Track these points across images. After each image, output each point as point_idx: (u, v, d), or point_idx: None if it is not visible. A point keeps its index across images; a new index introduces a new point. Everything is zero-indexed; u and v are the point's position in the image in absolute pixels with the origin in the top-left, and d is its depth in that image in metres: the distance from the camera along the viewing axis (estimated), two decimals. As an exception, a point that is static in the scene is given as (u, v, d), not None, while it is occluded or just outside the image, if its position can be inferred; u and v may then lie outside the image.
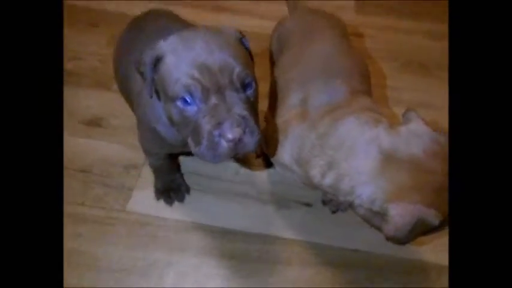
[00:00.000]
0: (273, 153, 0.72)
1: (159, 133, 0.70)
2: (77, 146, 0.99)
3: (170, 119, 0.62)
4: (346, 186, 0.59)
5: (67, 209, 0.88)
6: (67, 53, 1.22)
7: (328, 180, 0.62)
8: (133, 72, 0.72)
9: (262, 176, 0.97)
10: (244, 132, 0.55)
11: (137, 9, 1.36)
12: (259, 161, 0.99)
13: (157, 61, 0.59)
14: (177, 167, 0.94)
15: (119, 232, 0.85)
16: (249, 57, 0.63)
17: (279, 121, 0.72)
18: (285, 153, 0.69)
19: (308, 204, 0.92)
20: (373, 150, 0.58)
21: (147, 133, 0.74)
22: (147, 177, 0.94)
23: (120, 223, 0.87)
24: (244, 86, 0.58)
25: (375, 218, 0.58)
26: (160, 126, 0.69)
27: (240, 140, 0.55)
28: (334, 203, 0.91)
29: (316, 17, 0.87)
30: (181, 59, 0.57)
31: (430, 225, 0.54)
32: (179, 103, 0.57)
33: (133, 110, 0.83)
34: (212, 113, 0.55)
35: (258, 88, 0.62)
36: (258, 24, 1.37)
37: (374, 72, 0.84)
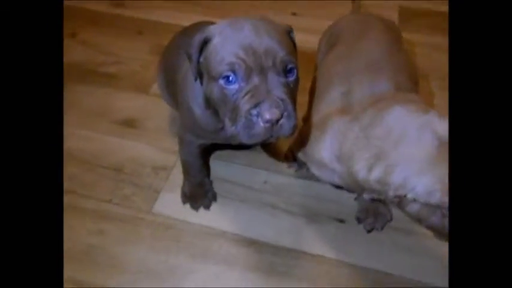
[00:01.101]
0: (309, 152, 0.68)
1: (194, 116, 0.71)
2: (109, 144, 1.00)
3: (209, 99, 0.63)
4: (398, 179, 0.53)
5: (93, 205, 0.87)
6: (110, 58, 1.27)
7: (375, 173, 0.56)
8: (179, 63, 0.78)
9: (292, 187, 0.93)
10: (281, 114, 0.55)
11: (179, 20, 1.40)
12: (290, 170, 0.95)
13: (205, 43, 0.61)
14: (207, 171, 0.92)
15: (142, 233, 0.83)
16: (294, 48, 0.64)
17: (316, 117, 0.68)
18: (324, 149, 0.65)
19: (341, 220, 0.86)
20: (428, 136, 0.52)
21: (185, 117, 0.76)
22: (176, 180, 0.93)
23: (144, 224, 0.85)
24: (286, 72, 0.59)
25: (433, 216, 0.52)
26: (196, 107, 0.70)
27: (277, 122, 0.55)
28: (369, 221, 0.84)
29: (372, 18, 0.84)
30: (228, 40, 0.58)
31: None
32: (221, 81, 0.58)
33: (175, 104, 0.86)
34: (252, 92, 0.56)
35: (299, 78, 0.62)
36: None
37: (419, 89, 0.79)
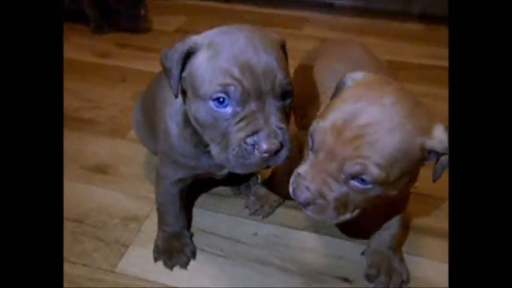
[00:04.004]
0: None
1: (171, 138, 0.63)
2: (74, 192, 0.86)
3: (194, 119, 0.56)
4: None
5: (44, 264, 0.71)
6: (89, 104, 1.18)
7: None
8: (159, 88, 0.69)
9: (287, 239, 0.78)
10: (281, 145, 0.50)
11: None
12: (292, 214, 0.81)
13: (188, 56, 0.53)
14: (186, 221, 0.77)
15: (100, 298, 0.66)
16: (287, 64, 0.56)
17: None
18: None
19: (346, 279, 0.71)
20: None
21: (161, 142, 0.66)
22: (148, 233, 0.78)
23: (104, 286, 0.68)
24: (284, 95, 0.53)
25: None
26: (173, 126, 0.62)
27: (275, 153, 0.50)
28: (382, 279, 0.69)
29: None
30: (220, 54, 0.50)
31: None
32: (212, 103, 0.51)
33: (153, 143, 0.79)
34: (249, 119, 0.50)
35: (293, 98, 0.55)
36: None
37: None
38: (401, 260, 0.72)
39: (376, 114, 0.48)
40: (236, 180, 0.87)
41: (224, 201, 0.86)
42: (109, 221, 0.80)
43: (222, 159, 0.52)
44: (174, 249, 0.73)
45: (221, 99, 0.50)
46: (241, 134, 0.50)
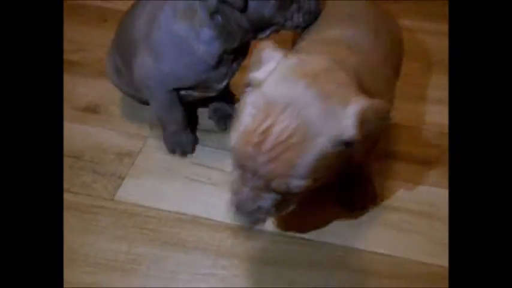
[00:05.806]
0: None
1: (191, 55, 0.71)
2: (68, 131, 0.91)
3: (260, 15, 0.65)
4: None
5: (49, 195, 0.78)
6: (73, 46, 1.18)
7: None
8: (135, 21, 0.80)
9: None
10: None
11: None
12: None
13: None
14: (187, 121, 0.87)
15: (103, 222, 0.74)
16: None
17: None
18: None
19: (322, 201, 0.80)
20: None
21: (169, 51, 0.73)
22: (142, 167, 0.85)
23: (105, 212, 0.76)
24: None
25: None
26: (198, 45, 0.70)
27: None
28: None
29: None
30: None
31: None
32: None
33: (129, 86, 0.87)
34: None
35: None
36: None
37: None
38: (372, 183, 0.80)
39: (283, 131, 0.45)
40: (225, 99, 0.94)
41: (211, 136, 0.92)
42: (104, 156, 0.87)
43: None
44: (182, 140, 0.86)
45: None
46: None
